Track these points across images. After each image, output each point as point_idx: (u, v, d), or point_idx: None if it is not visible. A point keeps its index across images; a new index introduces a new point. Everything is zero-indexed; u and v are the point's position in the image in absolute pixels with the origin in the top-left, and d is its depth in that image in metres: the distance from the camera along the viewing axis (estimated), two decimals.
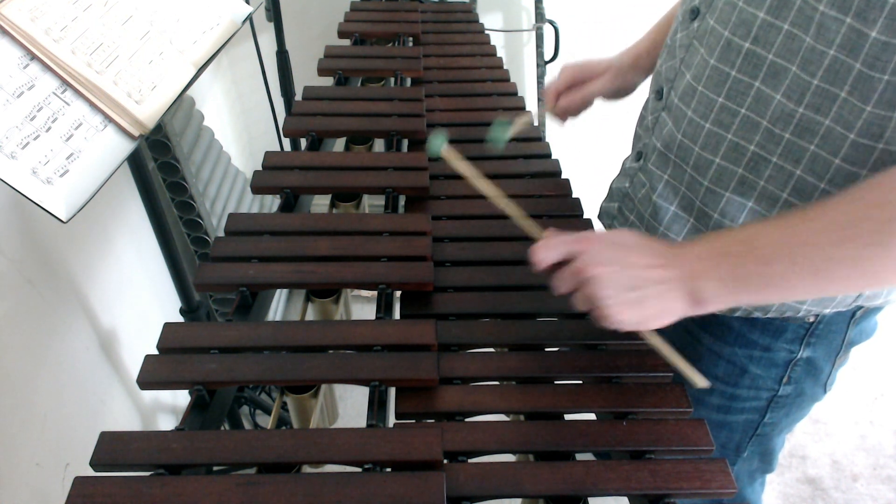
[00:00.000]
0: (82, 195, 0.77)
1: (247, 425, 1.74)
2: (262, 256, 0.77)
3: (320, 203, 1.36)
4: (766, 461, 0.92)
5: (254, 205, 1.87)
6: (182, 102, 1.51)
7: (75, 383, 1.16)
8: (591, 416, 0.65)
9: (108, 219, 1.28)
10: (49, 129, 0.76)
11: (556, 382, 0.67)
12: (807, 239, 0.55)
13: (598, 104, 0.96)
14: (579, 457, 0.60)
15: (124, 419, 1.35)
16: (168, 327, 0.68)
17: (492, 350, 0.70)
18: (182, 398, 1.63)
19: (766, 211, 0.68)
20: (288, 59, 1.72)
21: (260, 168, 0.92)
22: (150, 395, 1.47)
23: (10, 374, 0.98)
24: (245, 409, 1.76)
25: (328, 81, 1.17)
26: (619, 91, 0.94)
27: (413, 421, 0.64)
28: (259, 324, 0.71)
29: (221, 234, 0.83)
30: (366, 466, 0.57)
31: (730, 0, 0.65)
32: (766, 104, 0.64)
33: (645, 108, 0.86)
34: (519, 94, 1.18)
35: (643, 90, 0.95)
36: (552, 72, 1.94)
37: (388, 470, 0.57)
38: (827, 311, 0.73)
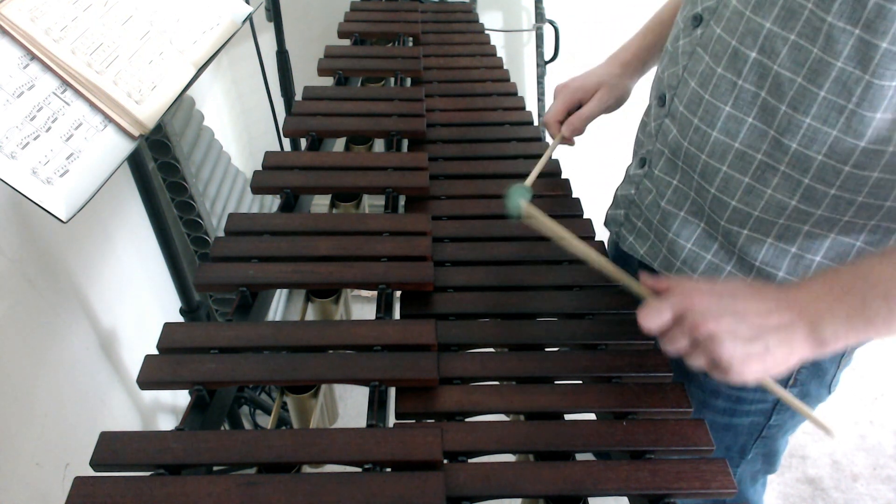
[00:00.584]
0: (82, 195, 0.77)
1: (247, 425, 1.74)
2: (262, 256, 0.77)
3: (320, 203, 1.36)
4: (770, 462, 0.92)
5: (254, 205, 1.87)
6: (182, 102, 1.51)
7: (75, 383, 1.16)
8: (591, 417, 0.65)
9: (108, 219, 1.28)
10: (49, 129, 0.76)
11: (556, 382, 0.67)
12: None
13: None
14: (579, 457, 0.60)
15: (124, 419, 1.35)
16: (168, 327, 0.68)
17: (492, 350, 0.70)
18: (182, 398, 1.63)
19: (773, 219, 0.68)
20: (288, 59, 1.72)
21: (260, 168, 0.92)
22: (150, 395, 1.47)
23: (10, 374, 0.98)
24: (245, 409, 1.76)
25: (328, 81, 1.17)
26: (617, 102, 0.94)
27: (413, 421, 0.64)
28: (259, 324, 0.71)
29: (221, 234, 0.83)
30: (366, 466, 0.57)
31: (737, 9, 0.64)
32: (772, 114, 0.63)
33: (647, 113, 0.85)
34: (519, 94, 1.18)
35: (639, 92, 0.95)
36: (552, 72, 1.94)
37: (388, 470, 0.57)
38: None
